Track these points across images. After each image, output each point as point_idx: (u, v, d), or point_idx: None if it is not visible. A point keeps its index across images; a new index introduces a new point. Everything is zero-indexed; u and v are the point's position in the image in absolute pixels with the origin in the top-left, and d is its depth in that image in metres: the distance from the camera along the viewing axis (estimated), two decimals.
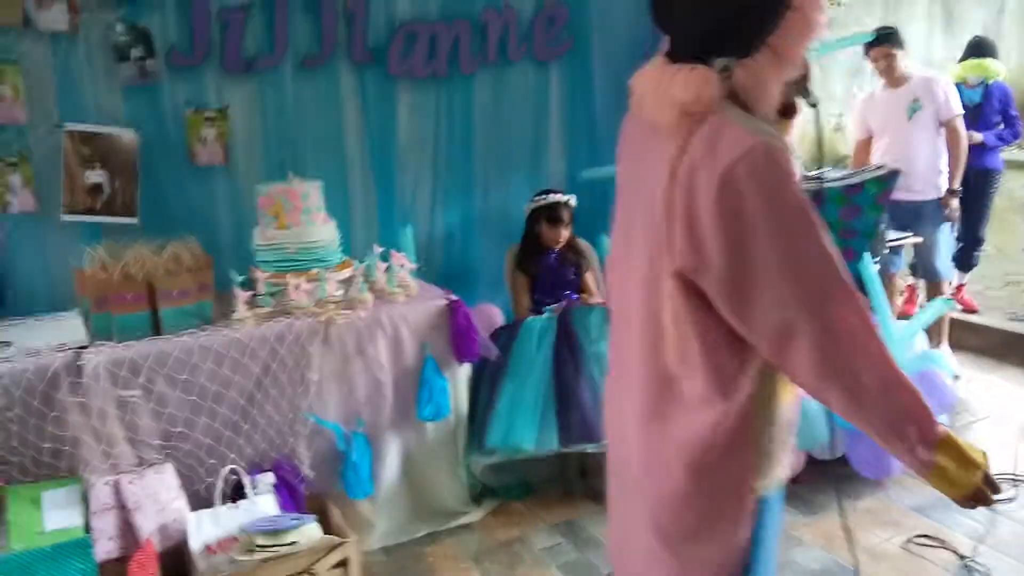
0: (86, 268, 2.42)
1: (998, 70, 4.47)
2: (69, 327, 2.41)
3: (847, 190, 2.83)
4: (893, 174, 2.91)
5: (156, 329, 2.34)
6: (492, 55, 3.22)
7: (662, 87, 1.16)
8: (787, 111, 1.29)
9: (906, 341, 2.87)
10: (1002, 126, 4.44)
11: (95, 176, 2.65)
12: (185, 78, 2.75)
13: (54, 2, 2.51)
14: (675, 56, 1.17)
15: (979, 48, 4.49)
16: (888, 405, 1.10)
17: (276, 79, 2.89)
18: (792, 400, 1.27)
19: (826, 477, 2.80)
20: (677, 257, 1.12)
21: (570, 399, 2.70)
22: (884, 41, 3.74)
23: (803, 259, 1.08)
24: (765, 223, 1.06)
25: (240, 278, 2.57)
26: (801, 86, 1.30)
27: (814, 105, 1.41)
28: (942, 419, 2.91)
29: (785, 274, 1.07)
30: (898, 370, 1.11)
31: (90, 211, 2.66)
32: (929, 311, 2.89)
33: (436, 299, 2.71)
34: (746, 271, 1.09)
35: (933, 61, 5.76)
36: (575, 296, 3.19)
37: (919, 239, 3.91)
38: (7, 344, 2.27)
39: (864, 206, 2.86)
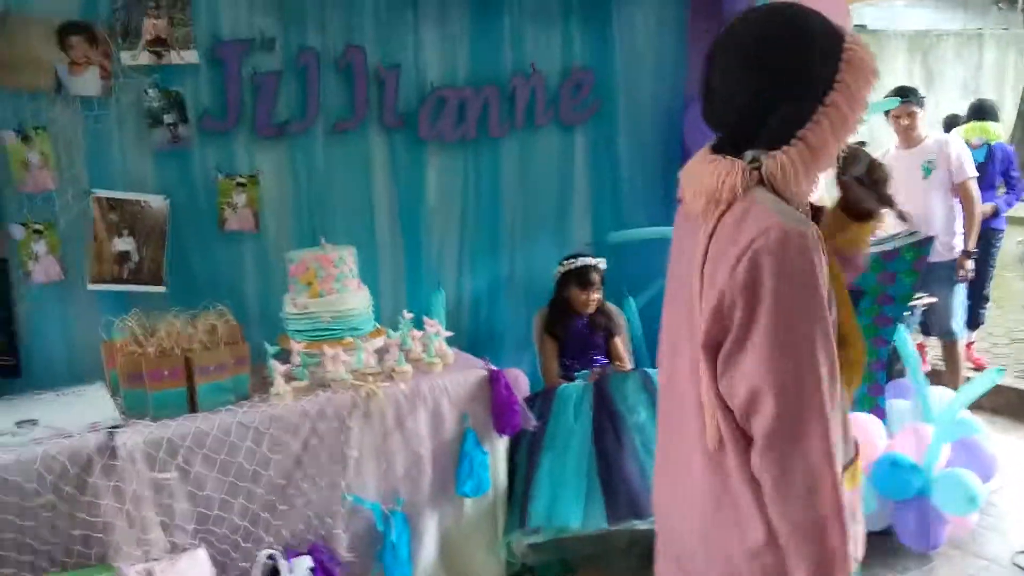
0: (117, 340, 2.32)
1: (999, 132, 4.58)
2: (97, 403, 2.30)
3: (883, 256, 2.83)
4: (928, 240, 2.93)
5: (192, 406, 2.24)
6: (520, 119, 3.22)
7: (695, 177, 1.25)
8: (864, 215, 1.38)
9: (954, 415, 2.85)
10: (1003, 187, 4.53)
11: (123, 244, 2.57)
12: (216, 143, 2.69)
13: (87, 67, 2.45)
14: (717, 148, 1.26)
15: (981, 111, 4.61)
16: (810, 535, 1.12)
17: (307, 143, 2.84)
18: (855, 488, 1.27)
19: (872, 549, 2.72)
20: (704, 331, 1.18)
21: (614, 472, 2.62)
22: (908, 99, 3.81)
23: (792, 349, 1.12)
24: (770, 298, 1.11)
25: (273, 349, 2.49)
26: (883, 194, 1.37)
27: (903, 218, 1.48)
28: (986, 486, 2.88)
29: (771, 350, 1.11)
30: (838, 514, 1.11)
31: (117, 280, 2.57)
32: (978, 384, 2.87)
33: (475, 368, 2.63)
34: (744, 335, 1.14)
35: None
36: (606, 362, 3.14)
37: (932, 299, 3.93)
38: (33, 423, 2.15)
39: (900, 272, 2.86)
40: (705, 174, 1.22)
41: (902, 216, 1.43)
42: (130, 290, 2.58)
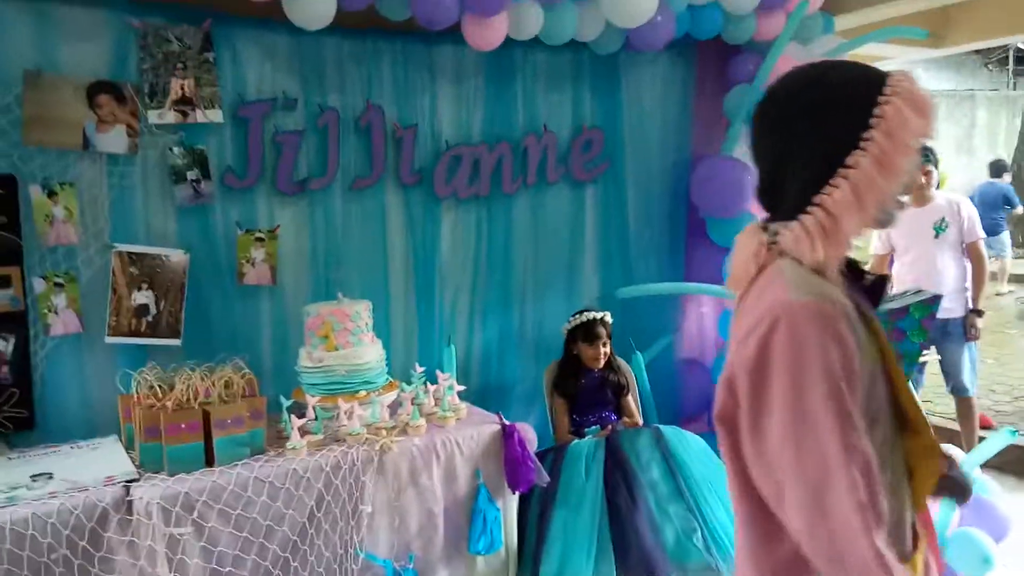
0: (133, 393, 2.33)
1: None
2: (112, 457, 2.29)
3: (891, 315, 2.85)
4: (936, 298, 2.94)
5: (208, 460, 2.23)
6: (531, 176, 3.28)
7: (735, 249, 1.25)
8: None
9: (968, 471, 2.84)
10: None
11: (142, 297, 2.60)
12: (237, 199, 2.75)
13: (114, 125, 2.52)
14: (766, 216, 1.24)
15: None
16: None
17: (326, 199, 2.90)
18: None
19: None
20: (719, 401, 1.14)
21: (627, 528, 2.60)
22: (926, 159, 3.89)
23: (809, 431, 1.02)
24: (777, 382, 1.04)
25: (288, 402, 2.50)
26: None
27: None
28: (999, 544, 2.85)
29: (786, 441, 1.04)
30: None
31: (135, 333, 2.59)
32: (991, 444, 2.87)
33: (488, 423, 2.64)
34: (755, 419, 1.08)
35: None
36: (616, 418, 3.15)
37: (937, 356, 3.96)
38: (48, 476, 2.15)
39: (909, 331, 2.87)
40: (739, 246, 1.21)
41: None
42: (147, 343, 2.60)
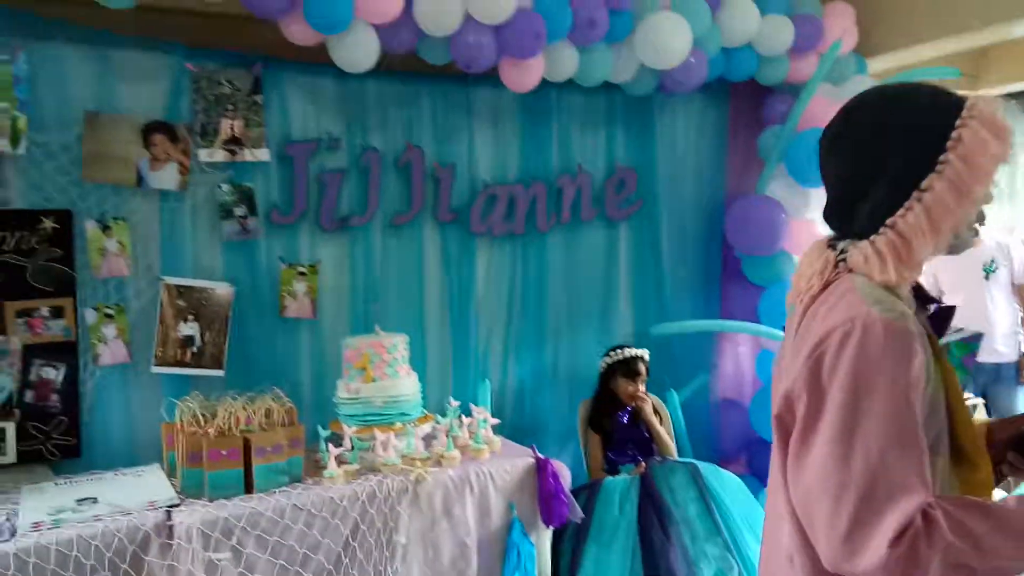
0: (176, 422, 2.39)
1: None
2: (155, 483, 2.35)
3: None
4: (977, 336, 2.91)
5: (247, 487, 2.27)
6: (566, 215, 3.33)
7: (799, 266, 1.24)
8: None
9: None
10: None
11: (188, 328, 2.68)
12: (281, 234, 2.84)
13: (166, 163, 2.63)
14: (834, 238, 1.23)
15: None
16: None
17: (366, 236, 2.98)
18: None
19: None
20: (775, 416, 1.13)
21: (660, 566, 2.57)
22: None
23: (856, 448, 0.99)
24: (839, 392, 1.01)
25: (326, 433, 2.54)
26: None
27: None
28: None
29: (833, 456, 1.00)
30: None
31: (180, 363, 2.67)
32: None
33: (522, 456, 2.65)
34: (807, 429, 1.05)
35: None
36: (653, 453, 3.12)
37: (983, 401, 3.87)
38: (93, 500, 2.20)
39: None
40: (804, 262, 1.21)
41: None
42: (192, 373, 2.67)
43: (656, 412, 3.21)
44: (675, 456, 3.13)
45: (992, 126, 1.08)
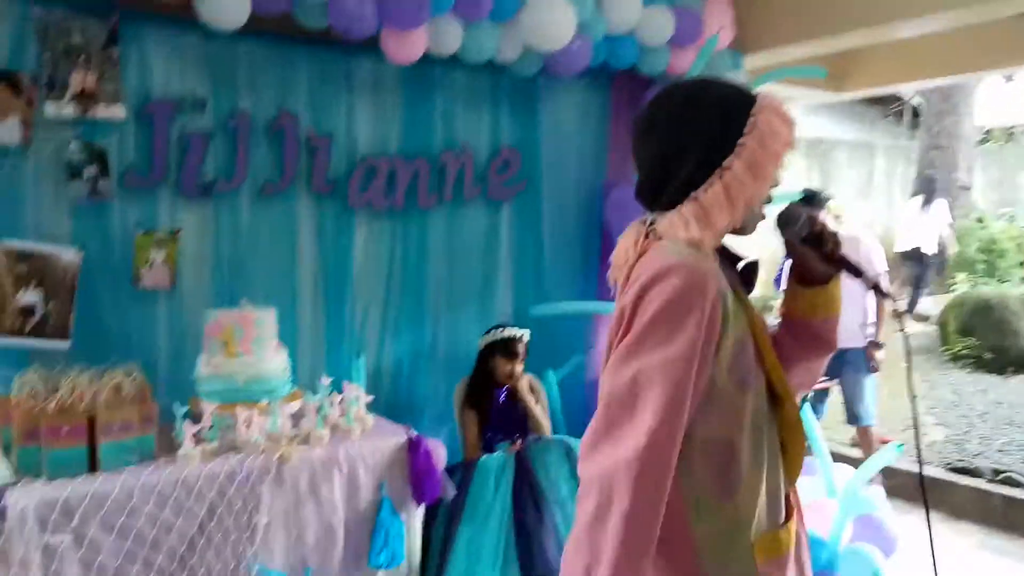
0: (13, 396, 2.20)
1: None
2: None
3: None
4: None
5: (92, 466, 2.11)
6: (448, 192, 3.29)
7: (617, 247, 1.33)
8: (816, 279, 1.32)
9: (858, 489, 2.96)
10: None
11: (29, 296, 2.46)
12: (138, 199, 2.65)
13: (7, 116, 2.40)
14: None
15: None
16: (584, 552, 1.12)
17: (232, 204, 2.83)
18: (777, 556, 1.25)
19: None
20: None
21: (533, 546, 2.59)
22: (811, 202, 4.08)
23: (636, 362, 1.14)
24: (642, 322, 1.15)
25: (183, 410, 2.40)
26: (830, 253, 1.29)
27: (857, 274, 1.38)
28: (889, 560, 2.97)
29: (617, 358, 1.16)
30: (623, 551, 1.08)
31: (18, 333, 2.45)
32: (879, 458, 3.00)
33: (394, 435, 2.59)
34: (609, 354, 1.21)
35: None
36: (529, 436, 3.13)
37: (830, 383, 4.13)
38: None
39: None
40: (621, 241, 1.31)
41: (857, 272, 1.30)
42: (32, 345, 2.46)
43: (532, 391, 3.23)
44: (549, 435, 3.15)
45: (782, 116, 1.22)
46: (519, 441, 3.05)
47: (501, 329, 3.15)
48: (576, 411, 3.60)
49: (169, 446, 2.32)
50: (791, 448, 1.30)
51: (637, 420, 1.11)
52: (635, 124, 1.32)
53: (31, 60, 2.43)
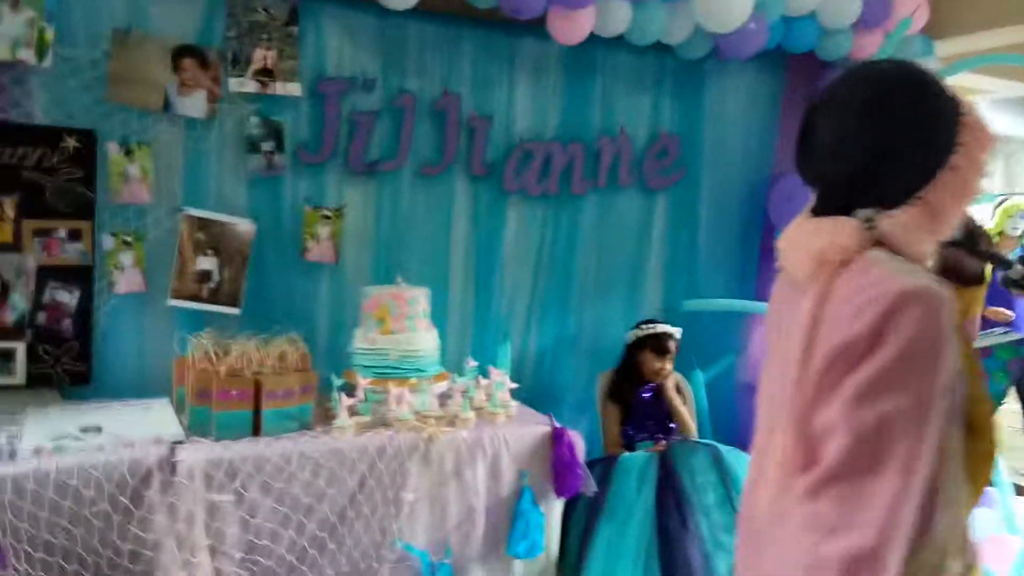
0: (189, 356, 2.33)
1: None
2: (161, 417, 2.28)
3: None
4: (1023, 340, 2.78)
5: (255, 430, 2.21)
6: (603, 179, 3.20)
7: (800, 240, 1.16)
8: (973, 280, 1.27)
9: None
10: None
11: (206, 263, 2.60)
12: (308, 174, 2.74)
13: (195, 89, 2.53)
14: (819, 210, 1.17)
15: None
16: None
17: (394, 183, 2.87)
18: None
19: None
20: (812, 400, 1.09)
21: (675, 554, 2.48)
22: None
23: (883, 403, 1.00)
24: (884, 352, 1.00)
25: (339, 382, 2.46)
26: (984, 250, 1.26)
27: (1016, 282, 1.33)
28: None
29: (856, 397, 1.01)
30: None
31: (195, 298, 2.60)
32: None
33: (538, 424, 2.56)
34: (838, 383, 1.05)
35: None
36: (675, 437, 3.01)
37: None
38: (98, 430, 2.14)
39: (992, 372, 2.71)
40: (812, 236, 1.14)
41: (1008, 264, 1.25)
42: (207, 309, 2.60)
43: (679, 391, 3.11)
44: (695, 437, 3.03)
45: (983, 125, 1.14)
46: (662, 441, 2.95)
47: (653, 324, 3.04)
48: (722, 414, 3.44)
49: (324, 416, 2.39)
50: (977, 482, 1.18)
51: (885, 480, 0.99)
52: (837, 104, 1.16)
53: (217, 36, 2.55)
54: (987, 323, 3.18)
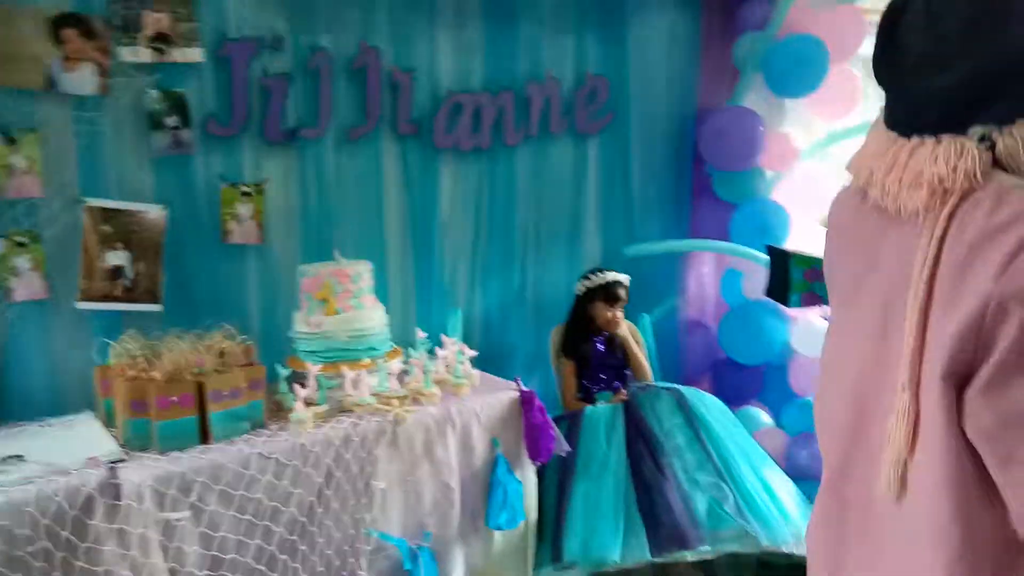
0: (112, 363, 2.08)
1: None
2: (90, 435, 2.05)
3: None
4: None
5: (204, 436, 2.00)
6: (534, 127, 3.07)
7: (899, 165, 0.96)
8: None
9: None
10: None
11: (116, 258, 2.33)
12: (221, 149, 2.48)
13: (81, 63, 2.23)
14: (908, 126, 0.98)
15: None
16: None
17: (317, 151, 2.65)
18: None
19: None
20: (948, 358, 0.91)
21: (655, 501, 2.45)
22: None
23: None
24: None
25: (287, 372, 2.27)
26: None
27: None
28: None
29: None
30: None
31: (109, 297, 2.33)
32: None
33: (504, 390, 2.45)
34: (1019, 356, 0.85)
35: None
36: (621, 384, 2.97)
37: None
38: (19, 459, 1.89)
39: None
40: (919, 160, 0.96)
41: None
42: (123, 309, 2.34)
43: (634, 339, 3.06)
44: (652, 381, 2.99)
45: None
46: (621, 391, 2.90)
47: (601, 273, 2.96)
48: (668, 353, 3.43)
49: (276, 411, 2.20)
50: None
51: None
52: (938, 4, 0.96)
53: (100, 2, 2.24)
54: None
